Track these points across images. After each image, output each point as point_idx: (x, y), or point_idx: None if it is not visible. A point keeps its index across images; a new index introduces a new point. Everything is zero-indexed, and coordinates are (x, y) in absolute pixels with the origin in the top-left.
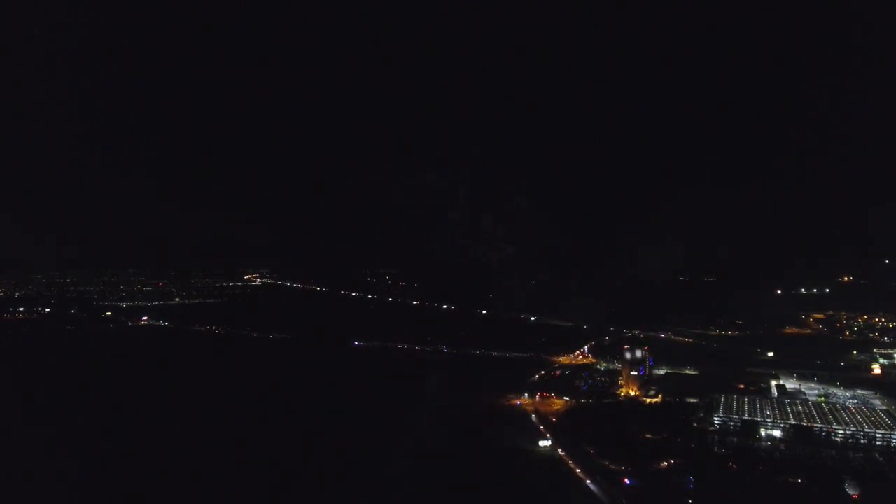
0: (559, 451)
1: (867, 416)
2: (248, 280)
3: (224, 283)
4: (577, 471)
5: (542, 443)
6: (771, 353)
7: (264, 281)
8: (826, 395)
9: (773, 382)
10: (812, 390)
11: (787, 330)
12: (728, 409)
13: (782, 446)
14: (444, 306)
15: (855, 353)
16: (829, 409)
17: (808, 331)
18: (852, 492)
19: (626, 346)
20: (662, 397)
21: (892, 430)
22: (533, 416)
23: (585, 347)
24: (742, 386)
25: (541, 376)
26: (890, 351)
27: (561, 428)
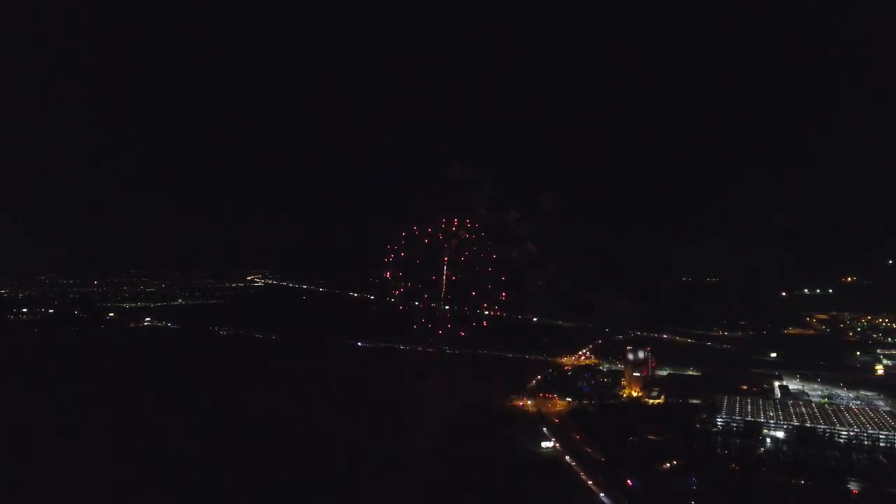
0: (561, 452)
1: (870, 417)
2: (251, 280)
3: (226, 284)
4: (580, 472)
5: (544, 444)
6: (774, 354)
7: (267, 281)
8: (829, 396)
9: (776, 383)
10: (815, 391)
11: (790, 330)
12: (731, 410)
13: (785, 447)
14: (447, 307)
15: (858, 353)
16: (833, 410)
17: (812, 331)
18: (855, 493)
19: (628, 347)
20: (665, 398)
21: (895, 431)
22: (535, 417)
23: (587, 348)
24: (745, 387)
25: (543, 377)
26: (893, 351)
27: (563, 429)
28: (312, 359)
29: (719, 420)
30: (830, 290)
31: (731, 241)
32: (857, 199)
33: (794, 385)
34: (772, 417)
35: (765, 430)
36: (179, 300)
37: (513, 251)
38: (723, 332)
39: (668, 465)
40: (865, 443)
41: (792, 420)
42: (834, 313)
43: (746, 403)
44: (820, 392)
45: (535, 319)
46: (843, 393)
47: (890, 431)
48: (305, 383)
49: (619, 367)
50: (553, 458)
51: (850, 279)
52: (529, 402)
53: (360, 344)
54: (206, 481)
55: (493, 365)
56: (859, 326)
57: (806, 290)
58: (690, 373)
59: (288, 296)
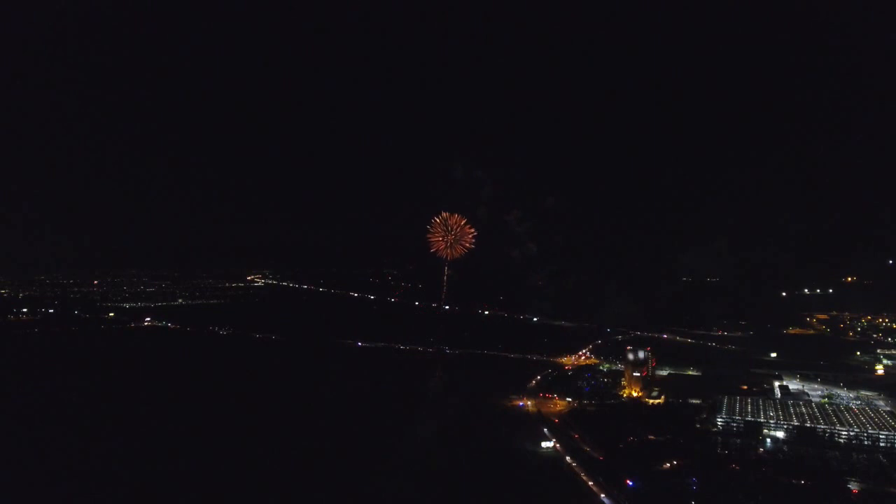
0: (562, 452)
1: (871, 417)
2: (251, 280)
3: (226, 284)
4: (580, 473)
5: (544, 444)
6: (774, 354)
7: (267, 281)
8: (829, 396)
9: (777, 383)
10: (815, 391)
11: (791, 331)
12: (731, 411)
13: (786, 447)
14: (447, 307)
15: (858, 353)
16: (833, 410)
17: (812, 331)
18: (855, 493)
19: (628, 347)
20: (665, 398)
21: (895, 431)
22: (535, 417)
23: (588, 348)
24: (745, 387)
25: (543, 377)
26: (893, 351)
27: (563, 429)
28: (312, 358)
29: (719, 420)
30: (830, 290)
31: (732, 240)
32: (857, 199)
33: (794, 385)
34: (772, 417)
35: (765, 430)
36: (179, 300)
37: (514, 250)
38: (723, 331)
39: (668, 465)
40: (865, 443)
41: (792, 420)
42: (834, 313)
43: (746, 403)
44: (820, 392)
45: (535, 319)
46: (843, 393)
47: (890, 431)
48: (304, 383)
49: (619, 367)
50: (553, 458)
51: (850, 279)
52: (529, 402)
53: (359, 344)
54: (207, 480)
55: (493, 365)
56: (859, 326)
57: (806, 290)
58: (690, 373)
59: (288, 296)
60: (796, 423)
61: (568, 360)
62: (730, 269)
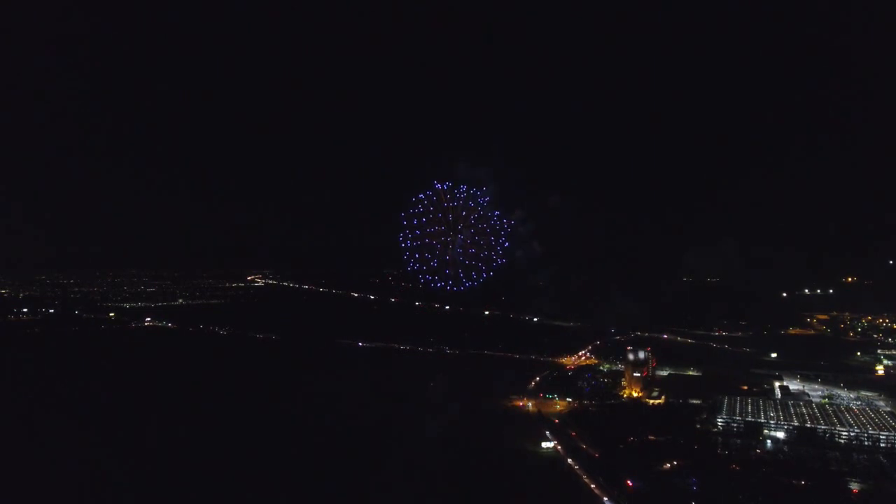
0: (562, 452)
1: (871, 418)
2: (251, 280)
3: (226, 284)
4: (580, 473)
5: (544, 444)
6: (774, 355)
7: (267, 281)
8: (830, 397)
9: (777, 384)
10: (816, 391)
11: (791, 331)
12: (731, 411)
13: (786, 448)
14: (447, 307)
15: (859, 354)
16: (833, 411)
17: (812, 332)
18: (855, 493)
19: (628, 348)
20: (665, 399)
21: (895, 431)
22: (535, 417)
23: (587, 348)
24: (745, 387)
25: (543, 377)
26: (893, 352)
27: (564, 429)
28: (312, 358)
29: (720, 420)
30: (830, 290)
31: (733, 241)
32: (857, 200)
33: (794, 385)
34: (772, 418)
35: (765, 431)
36: (179, 300)
37: (516, 251)
38: (723, 331)
39: (669, 465)
40: (866, 443)
41: (792, 420)
42: (834, 313)
43: (747, 404)
44: (820, 392)
45: (535, 319)
46: (843, 393)
47: (890, 432)
48: (305, 383)
49: (620, 367)
50: (553, 458)
51: (850, 279)
52: (529, 403)
53: (360, 344)
54: (207, 479)
55: (494, 365)
56: (860, 326)
57: (806, 290)
58: (691, 373)
59: (288, 296)
60: (796, 424)
61: (568, 361)
62: (730, 269)
